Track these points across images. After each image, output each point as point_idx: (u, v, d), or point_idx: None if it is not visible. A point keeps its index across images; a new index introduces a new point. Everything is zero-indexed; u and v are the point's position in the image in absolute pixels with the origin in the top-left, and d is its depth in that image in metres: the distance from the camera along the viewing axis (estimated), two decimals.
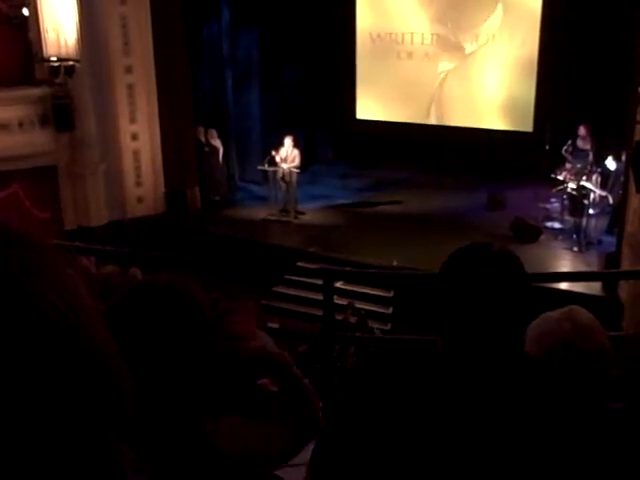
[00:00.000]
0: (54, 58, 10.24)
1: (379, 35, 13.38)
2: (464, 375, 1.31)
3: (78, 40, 10.42)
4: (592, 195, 9.79)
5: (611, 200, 9.88)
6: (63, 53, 10.29)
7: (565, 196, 10.19)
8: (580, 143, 10.24)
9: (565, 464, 1.25)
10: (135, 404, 0.65)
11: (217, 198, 12.38)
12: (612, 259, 8.70)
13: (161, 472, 1.02)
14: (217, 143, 12.30)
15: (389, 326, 8.87)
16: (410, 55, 13.20)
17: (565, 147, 10.28)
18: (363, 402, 1.35)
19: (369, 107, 13.79)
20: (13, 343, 0.56)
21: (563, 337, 1.70)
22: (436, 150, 12.86)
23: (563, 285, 8.10)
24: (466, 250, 1.36)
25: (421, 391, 1.32)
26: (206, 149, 12.20)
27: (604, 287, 8.29)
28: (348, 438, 1.33)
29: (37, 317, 0.58)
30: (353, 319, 8.07)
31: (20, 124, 10.29)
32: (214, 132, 12.29)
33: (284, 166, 11.15)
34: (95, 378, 0.60)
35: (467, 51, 12.72)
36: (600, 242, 9.77)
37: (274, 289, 9.62)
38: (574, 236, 9.80)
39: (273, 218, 11.41)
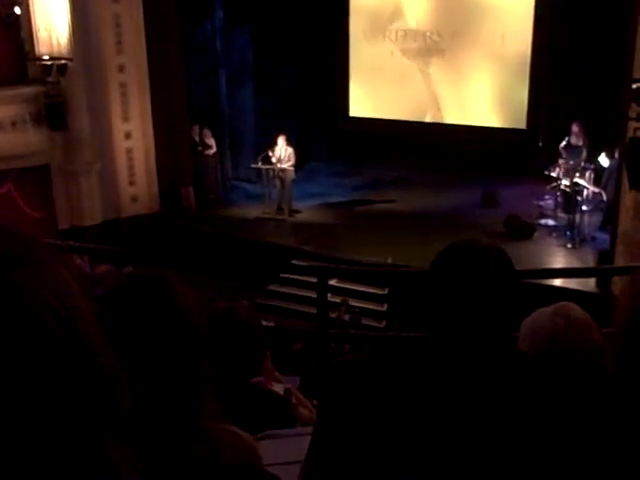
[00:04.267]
0: (46, 57, 10.23)
1: (372, 33, 13.38)
2: (453, 371, 1.31)
3: (70, 39, 10.41)
4: (585, 192, 9.82)
5: (605, 197, 9.91)
6: (55, 52, 10.28)
7: (559, 193, 10.22)
8: (574, 140, 10.26)
9: (546, 458, 1.26)
10: (131, 403, 0.65)
11: (211, 197, 12.37)
12: (605, 255, 8.73)
13: (155, 470, 1.02)
14: (211, 142, 12.29)
15: (383, 323, 8.89)
16: (404, 52, 13.20)
17: (564, 143, 10.29)
18: (357, 398, 1.35)
19: (363, 105, 13.78)
20: (8, 343, 0.56)
21: (554, 332, 1.71)
22: (430, 148, 12.86)
23: (557, 281, 8.13)
24: (454, 247, 1.36)
25: (413, 387, 1.32)
26: (200, 148, 12.19)
27: (598, 283, 8.32)
28: (343, 434, 1.33)
29: (32, 317, 0.58)
30: (347, 317, 8.10)
31: (13, 123, 10.26)
32: (208, 131, 12.28)
33: (279, 165, 11.16)
34: (90, 377, 0.61)
35: (461, 48, 12.73)
36: (594, 239, 9.81)
37: (269, 287, 9.62)
38: (568, 233, 9.83)
39: (268, 216, 11.42)
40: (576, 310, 1.79)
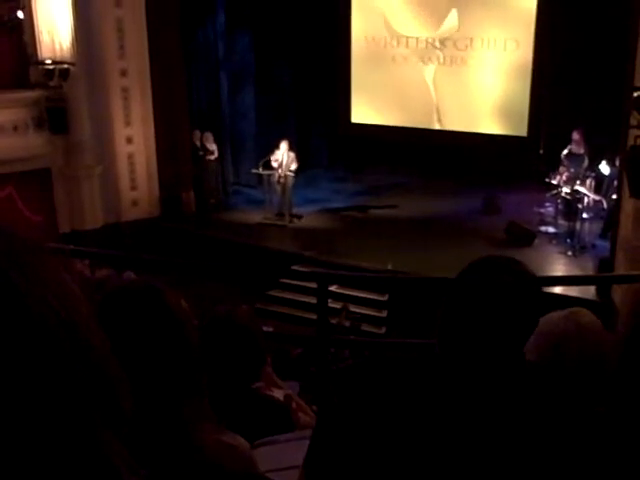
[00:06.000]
0: (49, 61, 10.26)
1: (374, 38, 13.41)
2: (456, 378, 1.31)
3: (73, 43, 10.44)
4: (586, 199, 9.82)
5: (605, 204, 9.91)
6: (58, 56, 10.31)
7: (559, 200, 10.23)
8: (574, 148, 10.28)
9: (548, 466, 1.25)
10: (133, 407, 0.65)
11: (212, 202, 12.37)
12: (606, 263, 8.72)
13: (157, 475, 1.02)
14: (213, 147, 12.29)
15: (383, 330, 8.87)
16: (405, 59, 13.23)
17: (566, 152, 10.31)
18: (357, 405, 1.35)
19: (364, 111, 13.81)
20: (8, 344, 0.56)
21: (559, 337, 1.70)
22: (431, 154, 12.89)
23: (557, 289, 8.11)
24: (488, 258, 1.40)
25: (414, 394, 1.32)
26: (201, 153, 12.19)
27: (598, 291, 8.31)
28: (342, 440, 1.33)
29: (33, 318, 0.58)
30: (347, 323, 8.09)
31: (15, 127, 10.28)
32: (210, 136, 12.28)
33: (280, 171, 11.15)
34: (91, 379, 0.60)
35: (462, 55, 12.76)
36: (594, 246, 9.80)
37: (269, 293, 9.61)
38: (568, 240, 9.83)
39: (268, 222, 11.41)
40: (585, 315, 1.77)
